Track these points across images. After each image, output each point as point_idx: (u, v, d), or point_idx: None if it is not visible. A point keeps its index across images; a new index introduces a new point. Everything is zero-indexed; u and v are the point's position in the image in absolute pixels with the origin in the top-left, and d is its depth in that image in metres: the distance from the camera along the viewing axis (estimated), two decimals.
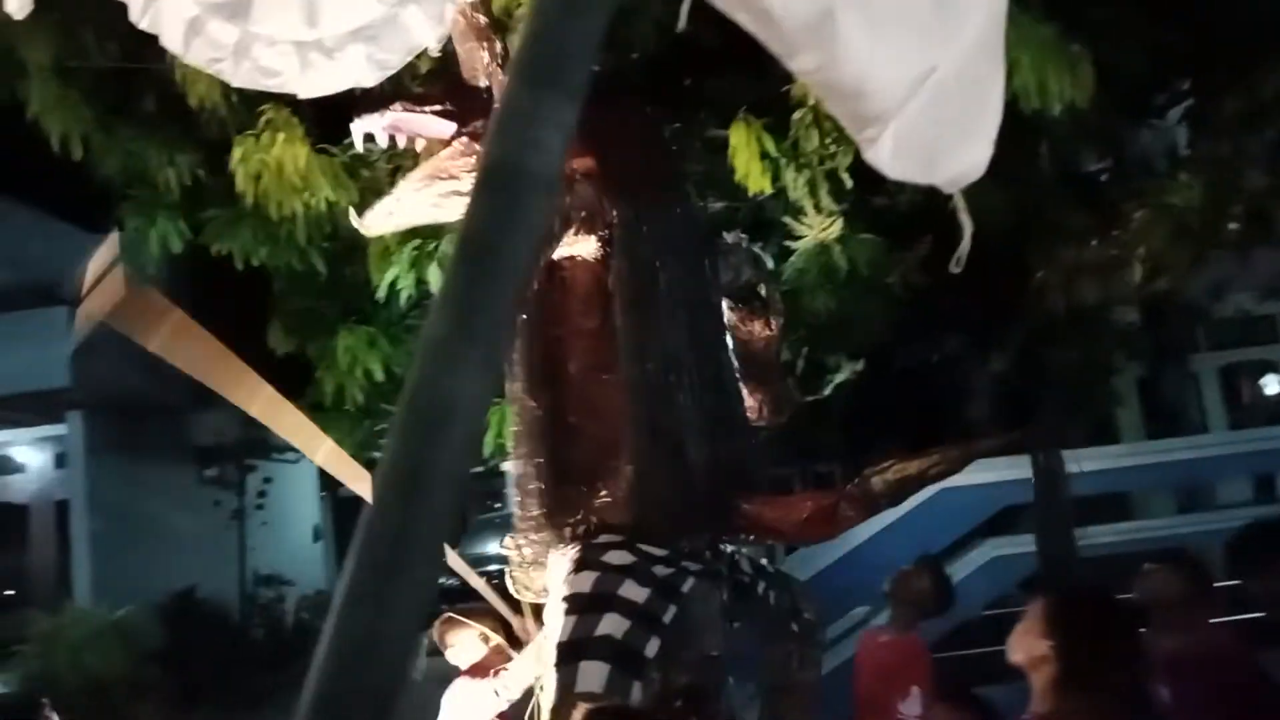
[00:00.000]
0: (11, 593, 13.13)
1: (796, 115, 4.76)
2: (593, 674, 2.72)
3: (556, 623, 2.86)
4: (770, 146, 4.79)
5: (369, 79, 2.55)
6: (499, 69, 3.19)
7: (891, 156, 1.88)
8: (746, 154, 4.76)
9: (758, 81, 4.69)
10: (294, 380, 6.86)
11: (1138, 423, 13.35)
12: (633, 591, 2.87)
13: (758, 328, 3.87)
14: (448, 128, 3.22)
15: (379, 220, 3.32)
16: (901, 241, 5.83)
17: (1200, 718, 2.88)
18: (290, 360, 6.49)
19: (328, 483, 17.88)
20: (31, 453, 11.76)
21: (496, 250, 0.59)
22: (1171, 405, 13.52)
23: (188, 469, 13.67)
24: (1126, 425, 13.06)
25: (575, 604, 2.87)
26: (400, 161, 5.87)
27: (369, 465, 7.99)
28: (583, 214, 3.17)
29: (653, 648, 2.82)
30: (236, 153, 4.93)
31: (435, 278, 5.62)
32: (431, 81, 3.40)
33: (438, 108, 3.18)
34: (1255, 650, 3.06)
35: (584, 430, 3.13)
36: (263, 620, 13.35)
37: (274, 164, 4.88)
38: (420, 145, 3.29)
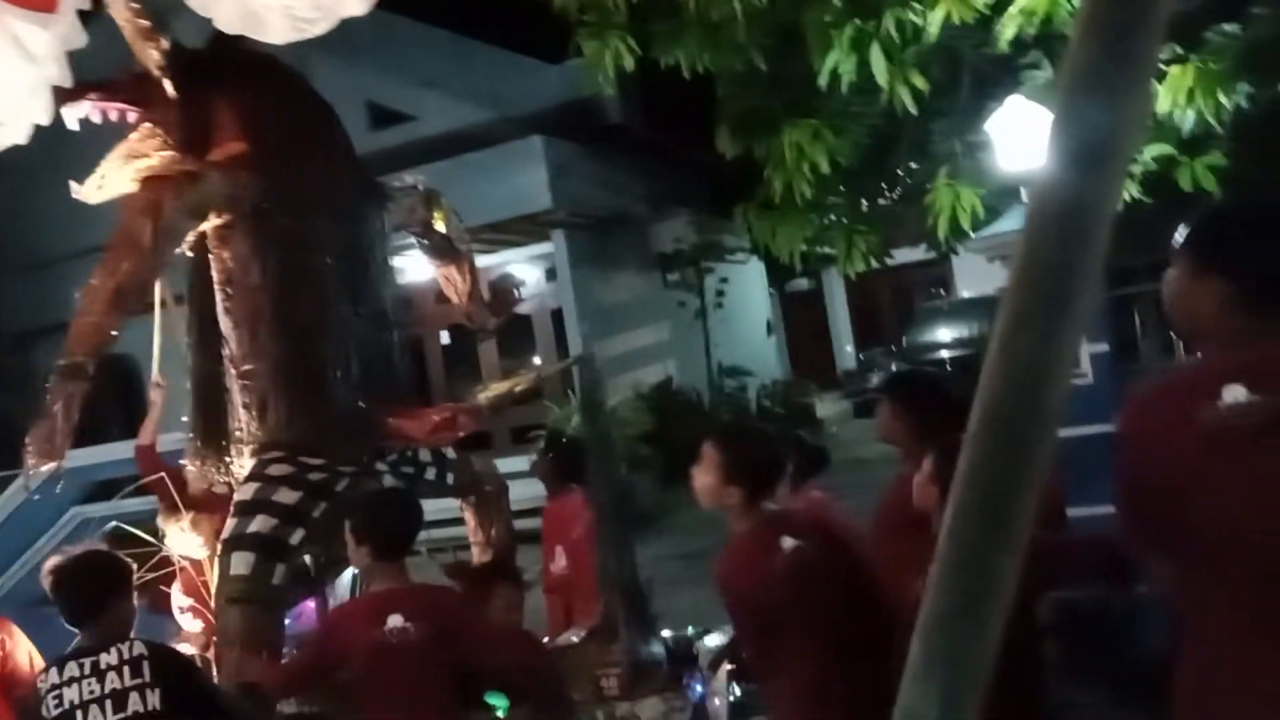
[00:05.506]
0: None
1: None
2: (240, 561, 3.45)
3: (227, 524, 3.63)
4: None
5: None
6: (165, 63, 3.73)
7: None
8: None
9: None
10: (744, 182, 7.14)
11: None
12: (285, 496, 3.58)
13: (445, 258, 4.61)
14: (135, 111, 3.80)
15: (91, 192, 3.90)
16: None
17: None
18: (739, 162, 6.72)
19: (775, 279, 18.67)
20: (528, 269, 13.51)
21: None
22: None
23: (653, 275, 14.95)
24: None
25: (238, 509, 3.59)
26: None
27: (820, 260, 8.05)
28: (225, 196, 3.77)
29: (297, 537, 3.54)
30: None
31: (878, 58, 5.42)
32: (117, 73, 3.93)
33: (124, 95, 3.76)
34: None
35: (256, 370, 3.81)
36: (730, 407, 14.54)
37: None
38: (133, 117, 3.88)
